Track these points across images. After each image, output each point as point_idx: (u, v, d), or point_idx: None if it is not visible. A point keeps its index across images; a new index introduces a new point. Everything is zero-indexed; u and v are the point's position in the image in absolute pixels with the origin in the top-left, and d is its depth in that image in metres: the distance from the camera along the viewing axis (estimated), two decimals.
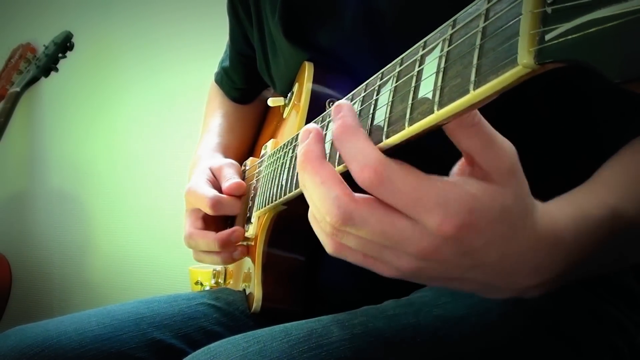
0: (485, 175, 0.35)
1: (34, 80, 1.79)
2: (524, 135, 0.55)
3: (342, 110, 0.38)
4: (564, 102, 0.55)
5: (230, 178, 0.70)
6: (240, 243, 0.68)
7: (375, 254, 0.38)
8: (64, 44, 1.76)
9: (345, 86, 0.56)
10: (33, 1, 1.99)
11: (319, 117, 0.50)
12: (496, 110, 0.30)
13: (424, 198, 0.34)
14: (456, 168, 0.37)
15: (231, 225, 0.74)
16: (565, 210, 0.41)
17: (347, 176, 0.37)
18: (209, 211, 0.67)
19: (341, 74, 0.64)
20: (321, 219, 0.38)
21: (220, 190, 0.70)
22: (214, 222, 0.72)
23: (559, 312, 0.53)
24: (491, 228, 0.35)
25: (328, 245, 0.40)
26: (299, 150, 0.39)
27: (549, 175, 0.56)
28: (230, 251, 0.67)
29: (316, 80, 0.65)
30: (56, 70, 1.78)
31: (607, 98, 0.51)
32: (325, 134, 0.46)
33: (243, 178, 0.78)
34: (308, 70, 0.65)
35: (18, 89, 1.77)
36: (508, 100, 0.31)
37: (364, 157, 0.35)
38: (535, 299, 0.51)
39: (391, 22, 0.58)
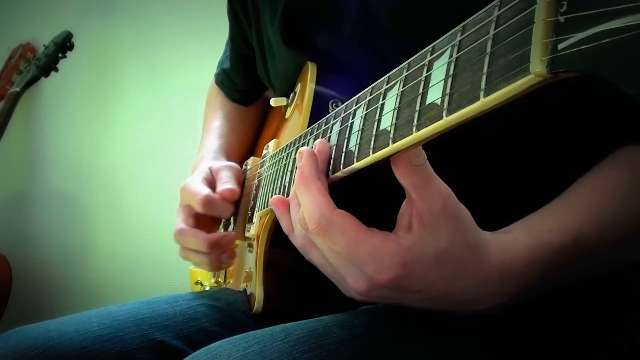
0: (419, 218, 0.39)
1: (34, 80, 1.79)
2: (510, 139, 0.55)
3: (302, 158, 0.43)
4: (555, 107, 0.55)
5: (227, 182, 0.70)
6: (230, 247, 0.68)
7: (330, 272, 0.45)
8: (64, 44, 1.76)
9: (348, 87, 0.56)
10: (33, 1, 1.99)
11: (323, 119, 0.50)
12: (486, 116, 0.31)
13: (359, 251, 0.39)
14: (402, 210, 0.41)
15: (234, 224, 0.74)
16: (520, 241, 0.44)
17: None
18: (199, 209, 0.67)
19: (343, 75, 0.64)
20: (295, 224, 0.46)
21: (215, 191, 0.70)
22: (207, 222, 0.72)
23: (558, 313, 0.53)
24: (429, 272, 0.39)
25: (299, 246, 0.47)
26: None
27: (536, 182, 0.57)
28: (218, 254, 0.67)
29: (319, 80, 0.65)
30: (56, 70, 1.78)
31: (601, 104, 0.52)
32: (329, 137, 0.46)
33: (244, 178, 0.78)
34: (311, 71, 0.65)
35: (18, 89, 1.77)
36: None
37: (312, 209, 0.41)
38: (535, 300, 0.51)
39: (389, 26, 0.58)
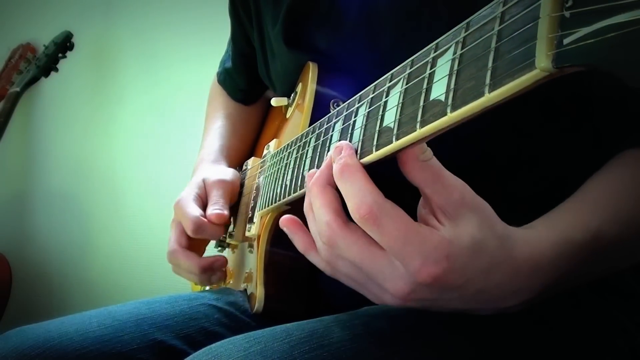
0: (443, 213, 0.38)
1: (34, 80, 1.79)
2: (518, 138, 0.55)
3: (344, 150, 0.41)
4: (565, 107, 0.55)
5: (216, 203, 0.70)
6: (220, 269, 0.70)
7: (362, 281, 0.42)
8: (64, 44, 1.76)
9: (349, 87, 0.56)
10: (33, 1, 1.99)
11: (325, 118, 0.50)
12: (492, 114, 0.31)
13: (409, 243, 0.37)
14: (421, 210, 0.40)
15: (234, 224, 0.74)
16: (545, 237, 0.43)
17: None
18: (189, 233, 0.68)
19: (344, 75, 0.64)
20: (316, 238, 0.43)
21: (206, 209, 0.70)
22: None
23: (558, 313, 0.53)
24: (468, 265, 0.38)
25: (322, 267, 0.45)
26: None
27: (542, 181, 0.56)
28: (209, 275, 0.69)
29: (320, 80, 0.65)
30: (56, 70, 1.78)
31: (610, 105, 0.52)
32: (331, 136, 0.46)
33: (244, 177, 0.78)
34: (312, 71, 0.65)
35: (18, 89, 1.77)
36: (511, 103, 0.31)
37: (363, 196, 0.38)
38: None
39: (391, 26, 0.58)
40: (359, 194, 0.38)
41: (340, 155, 0.40)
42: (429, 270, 0.37)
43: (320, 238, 0.41)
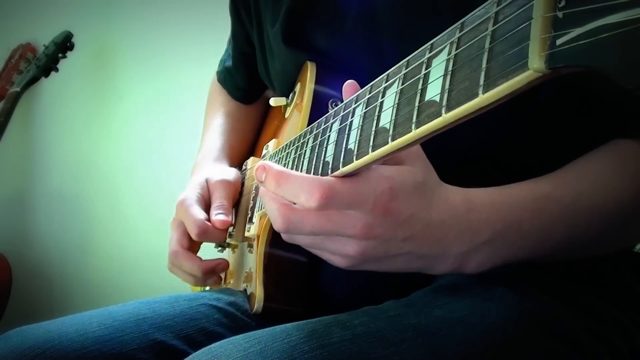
0: (398, 161, 0.44)
1: (34, 80, 1.79)
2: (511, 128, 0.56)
3: (265, 165, 0.45)
4: (557, 100, 0.55)
5: (219, 207, 0.70)
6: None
7: (321, 247, 0.48)
8: (64, 44, 1.76)
9: None
10: (33, 1, 1.99)
11: (322, 118, 0.50)
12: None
13: (362, 192, 0.42)
14: None
15: (234, 224, 0.74)
16: (480, 190, 0.48)
17: None
18: (193, 237, 0.68)
19: (342, 75, 0.64)
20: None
21: (210, 206, 0.70)
22: None
23: (558, 313, 0.53)
24: (410, 200, 0.44)
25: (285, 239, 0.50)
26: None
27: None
28: (209, 277, 0.69)
29: (318, 80, 0.65)
30: (56, 70, 1.78)
31: (604, 103, 0.52)
32: (329, 136, 0.46)
33: (244, 177, 0.78)
34: (310, 70, 0.65)
35: (18, 89, 1.77)
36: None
37: (308, 186, 0.42)
38: (534, 300, 0.51)
39: (389, 26, 0.58)
40: (303, 185, 0.42)
41: (264, 172, 0.45)
42: (379, 199, 0.42)
43: (275, 227, 0.46)
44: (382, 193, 0.42)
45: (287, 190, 0.43)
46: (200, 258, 0.69)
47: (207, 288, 0.83)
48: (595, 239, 0.52)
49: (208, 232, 0.67)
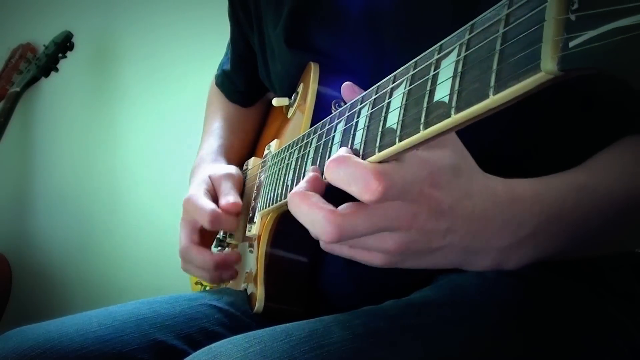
0: (428, 147, 0.39)
1: (34, 80, 1.79)
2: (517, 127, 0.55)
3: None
4: (564, 99, 0.55)
5: (228, 194, 0.70)
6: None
7: (356, 246, 0.43)
8: (64, 44, 1.76)
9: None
10: (33, 1, 1.99)
11: (327, 119, 0.50)
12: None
13: (407, 179, 0.38)
14: None
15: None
16: (522, 180, 0.45)
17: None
18: (207, 226, 0.67)
19: (346, 75, 0.64)
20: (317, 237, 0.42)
21: (217, 201, 0.70)
22: (209, 233, 0.73)
23: (559, 312, 0.53)
24: (451, 185, 0.40)
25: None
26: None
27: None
28: (221, 271, 0.68)
29: (322, 81, 0.65)
30: (56, 70, 1.78)
31: (609, 99, 0.52)
32: (333, 136, 0.46)
33: (245, 178, 0.78)
34: (314, 71, 0.65)
35: (18, 89, 1.77)
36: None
37: (364, 177, 0.37)
38: (536, 300, 0.51)
39: (393, 26, 0.58)
40: (362, 176, 0.37)
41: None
42: (422, 186, 0.39)
43: (324, 238, 0.40)
44: (423, 179, 0.39)
45: (345, 173, 0.38)
46: (210, 251, 0.69)
47: (208, 287, 0.84)
48: (623, 232, 0.51)
49: (221, 219, 0.67)
